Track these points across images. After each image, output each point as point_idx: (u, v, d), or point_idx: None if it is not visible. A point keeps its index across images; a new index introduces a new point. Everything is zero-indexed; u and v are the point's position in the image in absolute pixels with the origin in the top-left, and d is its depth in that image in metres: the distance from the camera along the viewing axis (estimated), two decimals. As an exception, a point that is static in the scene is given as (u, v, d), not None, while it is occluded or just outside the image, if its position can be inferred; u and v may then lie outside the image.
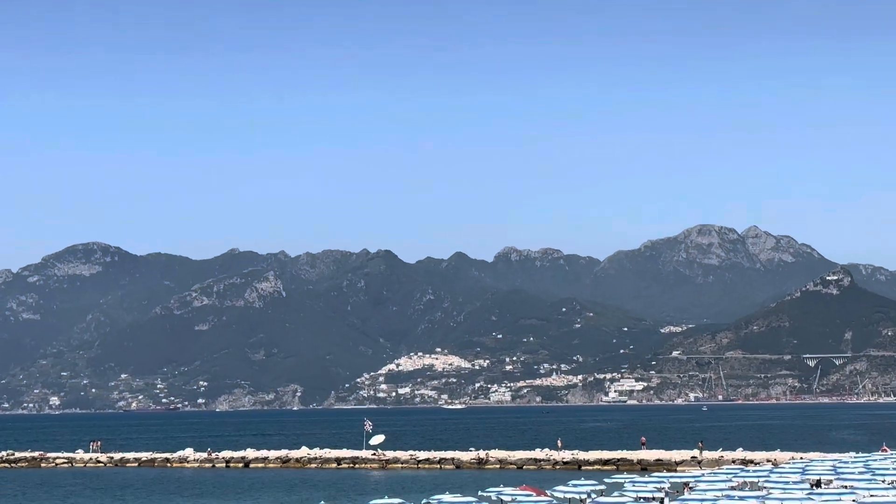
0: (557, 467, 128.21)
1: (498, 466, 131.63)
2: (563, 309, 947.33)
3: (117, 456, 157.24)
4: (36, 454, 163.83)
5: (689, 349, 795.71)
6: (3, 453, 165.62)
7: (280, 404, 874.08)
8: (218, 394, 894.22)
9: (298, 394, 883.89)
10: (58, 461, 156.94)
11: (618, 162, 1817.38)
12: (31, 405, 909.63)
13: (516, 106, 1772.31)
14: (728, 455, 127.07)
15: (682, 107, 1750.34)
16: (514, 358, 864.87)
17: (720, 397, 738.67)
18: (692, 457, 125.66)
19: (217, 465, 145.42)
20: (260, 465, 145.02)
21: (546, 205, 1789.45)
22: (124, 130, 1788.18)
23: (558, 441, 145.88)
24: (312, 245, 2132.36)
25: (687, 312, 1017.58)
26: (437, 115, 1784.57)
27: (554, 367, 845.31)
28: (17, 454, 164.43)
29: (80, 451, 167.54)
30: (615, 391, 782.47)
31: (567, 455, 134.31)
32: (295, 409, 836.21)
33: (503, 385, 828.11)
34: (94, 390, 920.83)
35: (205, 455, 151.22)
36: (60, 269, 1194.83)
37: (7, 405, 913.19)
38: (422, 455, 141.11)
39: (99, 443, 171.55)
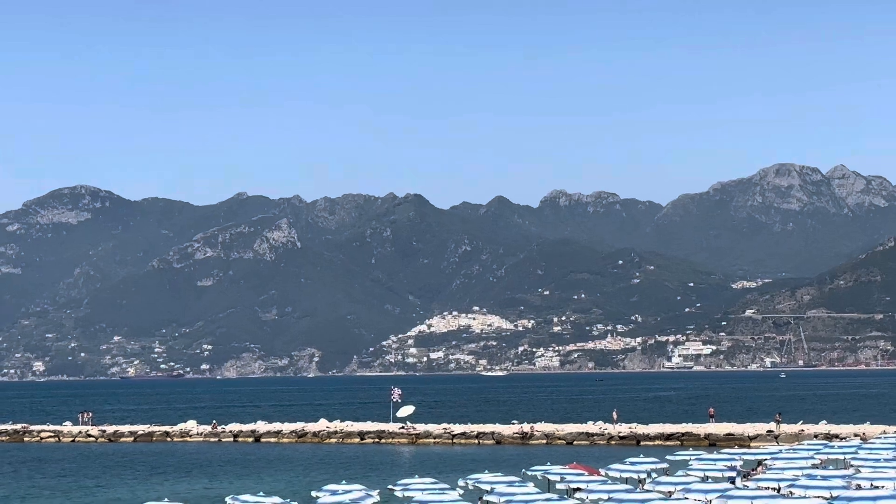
0: (613, 443, 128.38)
1: (544, 442, 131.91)
2: (620, 261, 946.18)
3: (110, 429, 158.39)
4: (18, 427, 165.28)
5: (764, 307, 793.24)
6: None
7: (295, 371, 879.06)
8: (224, 359, 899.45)
9: (316, 359, 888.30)
10: (43, 435, 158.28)
11: (681, 91, 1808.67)
12: (12, 371, 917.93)
13: (563, 31, 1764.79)
14: (809, 429, 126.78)
15: (757, 24, 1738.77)
16: (563, 318, 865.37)
17: (800, 362, 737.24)
18: (768, 431, 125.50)
19: (223, 440, 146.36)
20: (272, 439, 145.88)
21: (599, 141, 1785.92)
22: (119, 65, 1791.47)
23: (614, 413, 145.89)
24: (331, 189, 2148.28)
25: (762, 265, 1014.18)
26: (472, 42, 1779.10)
27: (608, 328, 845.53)
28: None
29: (68, 423, 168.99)
30: (679, 356, 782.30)
31: (624, 429, 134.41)
32: (311, 375, 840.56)
33: (550, 349, 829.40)
34: (83, 354, 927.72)
35: (209, 428, 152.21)
36: (44, 216, 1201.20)
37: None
38: (457, 429, 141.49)
39: (90, 414, 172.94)
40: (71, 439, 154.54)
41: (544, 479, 71.19)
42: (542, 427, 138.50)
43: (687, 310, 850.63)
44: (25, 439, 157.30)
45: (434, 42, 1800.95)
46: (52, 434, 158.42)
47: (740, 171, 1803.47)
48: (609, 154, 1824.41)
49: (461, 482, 68.27)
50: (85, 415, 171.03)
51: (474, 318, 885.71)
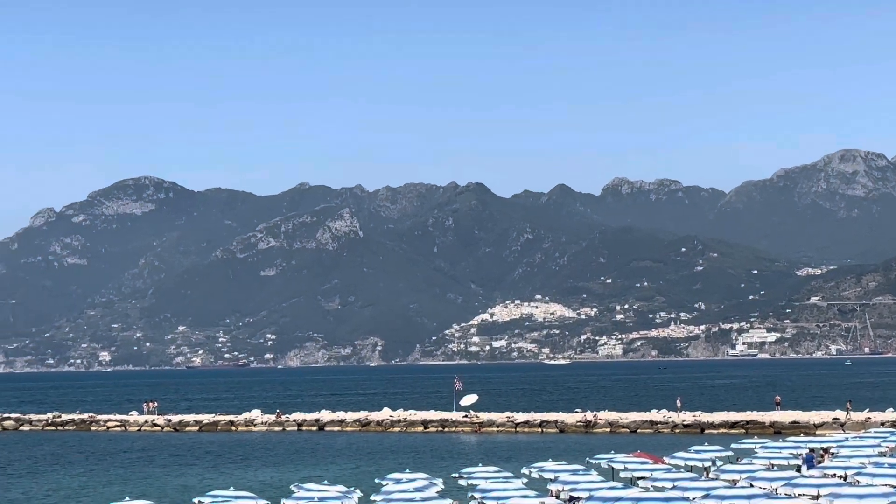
0: (677, 431, 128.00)
1: (608, 430, 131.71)
2: (683, 249, 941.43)
3: (176, 418, 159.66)
4: (85, 416, 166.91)
5: (829, 294, 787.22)
6: (50, 415, 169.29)
7: (358, 360, 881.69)
8: (287, 348, 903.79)
9: (379, 348, 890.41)
10: (109, 424, 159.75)
11: (745, 76, 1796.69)
12: (78, 361, 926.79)
13: (621, 14, 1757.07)
14: (876, 416, 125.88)
15: (825, 6, 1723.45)
16: (626, 306, 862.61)
17: (866, 350, 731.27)
18: (833, 419, 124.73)
19: (287, 429, 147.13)
20: (336, 428, 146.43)
21: (662, 129, 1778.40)
22: (180, 55, 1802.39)
23: (678, 401, 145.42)
24: (393, 178, 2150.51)
25: (827, 252, 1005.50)
26: (532, 29, 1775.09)
27: (672, 315, 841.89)
28: (65, 416, 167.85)
29: (134, 412, 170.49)
30: (743, 343, 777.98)
31: (688, 417, 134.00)
32: (374, 364, 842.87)
33: (613, 337, 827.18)
34: (148, 344, 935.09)
35: (273, 417, 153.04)
36: (109, 207, 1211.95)
37: (52, 361, 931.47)
38: (520, 417, 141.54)
39: (155, 403, 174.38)
40: (137, 428, 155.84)
41: (608, 468, 71.05)
42: (606, 415, 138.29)
43: (751, 297, 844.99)
44: (92, 428, 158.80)
45: (496, 30, 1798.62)
46: (119, 423, 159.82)
47: (804, 158, 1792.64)
48: (671, 141, 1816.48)
49: (525, 470, 68.24)
50: (150, 404, 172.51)
51: (537, 307, 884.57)
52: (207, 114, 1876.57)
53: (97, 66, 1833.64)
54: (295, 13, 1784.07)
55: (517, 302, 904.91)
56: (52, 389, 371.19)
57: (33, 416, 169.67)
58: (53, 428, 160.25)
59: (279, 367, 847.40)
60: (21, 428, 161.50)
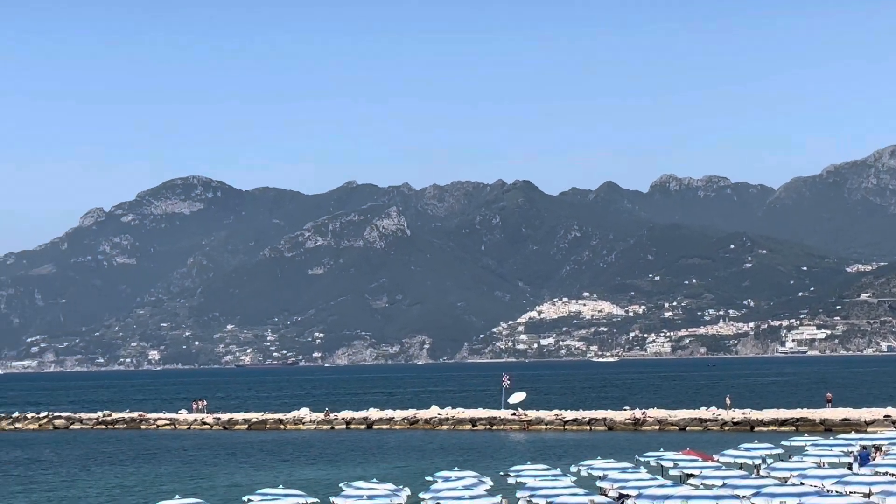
0: (726, 428, 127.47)
1: (657, 428, 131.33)
2: (731, 246, 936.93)
3: (224, 417, 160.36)
4: (135, 415, 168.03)
5: (880, 291, 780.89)
6: (100, 414, 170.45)
7: (406, 358, 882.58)
8: (336, 346, 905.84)
9: (426, 346, 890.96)
10: (159, 423, 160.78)
11: (794, 71, 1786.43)
12: (128, 360, 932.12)
13: (667, 6, 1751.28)
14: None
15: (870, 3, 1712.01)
16: (675, 303, 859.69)
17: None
18: (885, 416, 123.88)
19: (336, 427, 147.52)
20: (384, 426, 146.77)
21: (710, 125, 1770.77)
22: (228, 54, 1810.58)
23: (727, 398, 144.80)
24: (440, 176, 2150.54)
25: (878, 248, 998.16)
26: (576, 25, 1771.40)
27: (721, 313, 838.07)
28: (115, 415, 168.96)
29: (183, 411, 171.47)
30: (793, 340, 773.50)
31: (737, 414, 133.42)
32: (422, 363, 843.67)
33: (661, 334, 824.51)
34: (197, 343, 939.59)
35: (322, 415, 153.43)
36: (157, 206, 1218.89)
37: (102, 360, 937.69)
38: (568, 415, 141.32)
39: (204, 402, 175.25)
40: (186, 427, 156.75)
41: (657, 465, 70.91)
42: (655, 413, 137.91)
43: (800, 294, 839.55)
44: (142, 427, 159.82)
45: (542, 26, 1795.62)
46: (168, 422, 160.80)
47: (854, 153, 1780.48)
48: (720, 138, 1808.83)
49: (574, 468, 68.18)
50: (199, 403, 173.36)
51: (584, 304, 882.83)
52: (255, 113, 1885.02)
53: (146, 67, 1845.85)
54: (348, 12, 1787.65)
55: (565, 299, 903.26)
56: (102, 389, 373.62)
57: (84, 415, 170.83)
58: (104, 427, 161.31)
59: (325, 365, 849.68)
60: (72, 427, 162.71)
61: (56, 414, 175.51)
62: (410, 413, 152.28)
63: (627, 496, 57.86)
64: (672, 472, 68.65)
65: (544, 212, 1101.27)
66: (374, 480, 61.48)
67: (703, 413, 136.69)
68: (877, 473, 64.61)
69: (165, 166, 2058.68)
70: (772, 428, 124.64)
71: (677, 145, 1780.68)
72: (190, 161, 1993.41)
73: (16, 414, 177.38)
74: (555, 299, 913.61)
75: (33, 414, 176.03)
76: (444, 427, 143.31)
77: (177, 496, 56.25)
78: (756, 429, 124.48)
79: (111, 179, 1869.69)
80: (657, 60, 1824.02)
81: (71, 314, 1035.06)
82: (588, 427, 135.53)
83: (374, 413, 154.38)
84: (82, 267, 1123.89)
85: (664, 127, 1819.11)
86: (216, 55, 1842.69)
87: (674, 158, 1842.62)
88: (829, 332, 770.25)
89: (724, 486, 57.72)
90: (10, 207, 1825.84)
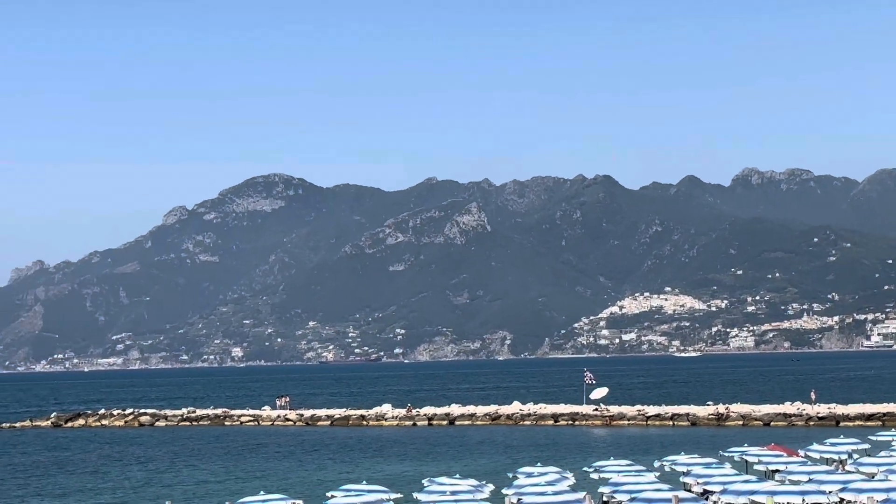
0: (811, 423, 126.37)
1: (741, 423, 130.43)
2: (815, 239, 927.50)
3: (307, 413, 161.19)
4: (219, 411, 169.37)
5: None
6: (185, 410, 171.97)
7: (487, 353, 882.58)
8: (417, 342, 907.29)
9: (508, 341, 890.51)
10: (243, 419, 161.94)
11: (878, 63, 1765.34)
12: (212, 357, 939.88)
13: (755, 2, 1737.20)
14: None
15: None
16: (758, 297, 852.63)
17: None
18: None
19: (418, 423, 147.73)
20: (466, 422, 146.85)
21: (792, 117, 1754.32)
22: (307, 53, 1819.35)
23: (812, 393, 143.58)
24: (520, 171, 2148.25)
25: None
26: (667, 16, 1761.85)
27: (804, 307, 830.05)
28: (199, 411, 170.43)
29: (266, 407, 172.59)
30: (879, 334, 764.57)
31: (822, 409, 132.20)
32: (503, 358, 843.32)
33: (745, 329, 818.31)
34: (279, 340, 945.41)
35: (404, 412, 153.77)
36: (240, 204, 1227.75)
37: (186, 357, 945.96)
38: (651, 410, 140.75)
39: (287, 398, 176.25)
40: (270, 423, 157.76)
41: (742, 461, 70.47)
42: (738, 408, 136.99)
43: (886, 287, 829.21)
44: (226, 423, 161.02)
45: (621, 20, 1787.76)
46: (252, 418, 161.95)
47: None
48: (802, 130, 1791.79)
49: (657, 464, 67.87)
50: (282, 399, 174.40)
51: (666, 299, 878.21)
52: (336, 110, 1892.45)
53: (226, 65, 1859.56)
54: (420, 8, 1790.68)
55: (646, 294, 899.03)
56: (186, 386, 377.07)
57: (169, 412, 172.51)
58: (189, 423, 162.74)
59: (405, 361, 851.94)
60: (157, 423, 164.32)
61: (142, 411, 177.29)
62: (492, 409, 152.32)
63: (712, 492, 57.55)
64: (757, 468, 68.23)
65: (625, 206, 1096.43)
66: (457, 476, 61.53)
67: (788, 408, 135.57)
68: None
69: (247, 164, 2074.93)
70: (858, 423, 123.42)
71: (759, 138, 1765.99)
72: (272, 159, 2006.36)
73: (102, 411, 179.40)
74: (636, 294, 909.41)
75: (119, 411, 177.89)
76: (527, 423, 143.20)
77: (261, 492, 56.65)
78: (842, 424, 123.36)
79: (194, 178, 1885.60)
80: (737, 52, 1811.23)
81: (155, 312, 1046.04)
82: (671, 422, 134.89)
83: (456, 409, 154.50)
84: (166, 265, 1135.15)
85: (746, 120, 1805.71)
86: (298, 52, 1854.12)
87: (756, 151, 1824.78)
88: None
89: (809, 481, 57.21)
90: (94, 207, 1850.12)
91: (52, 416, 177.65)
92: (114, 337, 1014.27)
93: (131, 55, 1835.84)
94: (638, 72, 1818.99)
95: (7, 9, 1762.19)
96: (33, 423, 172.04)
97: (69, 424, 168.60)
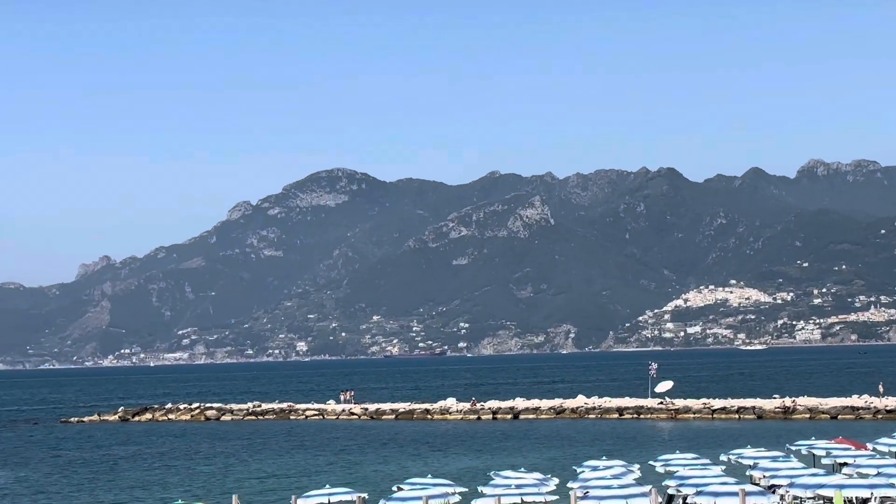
0: (879, 417, 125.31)
1: (807, 416, 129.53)
2: (882, 231, 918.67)
3: (372, 407, 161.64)
4: (284, 405, 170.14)
5: None
6: (250, 405, 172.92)
7: (551, 347, 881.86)
8: (481, 336, 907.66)
9: (572, 335, 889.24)
10: (308, 413, 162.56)
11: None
12: (276, 351, 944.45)
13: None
14: None
15: None
16: (824, 290, 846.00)
17: None
18: None
19: (483, 417, 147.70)
20: (531, 416, 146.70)
21: (858, 108, 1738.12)
22: (371, 48, 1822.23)
23: (879, 386, 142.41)
24: (583, 164, 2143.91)
25: None
26: (733, 6, 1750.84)
27: (872, 299, 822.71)
28: (265, 406, 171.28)
29: (331, 401, 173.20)
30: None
31: (891, 402, 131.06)
32: (567, 352, 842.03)
33: (811, 321, 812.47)
34: (343, 334, 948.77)
35: (468, 405, 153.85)
36: (303, 199, 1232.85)
37: (251, 352, 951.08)
38: (717, 403, 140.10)
39: (352, 392, 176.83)
40: (335, 417, 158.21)
41: (809, 454, 69.98)
42: (805, 401, 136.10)
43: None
44: (291, 417, 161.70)
45: (685, 8, 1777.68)
46: (317, 412, 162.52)
47: None
48: (869, 121, 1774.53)
49: (723, 457, 67.56)
50: (347, 393, 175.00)
51: (731, 292, 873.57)
52: (399, 105, 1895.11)
53: (292, 61, 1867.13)
54: (481, 3, 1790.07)
55: (711, 287, 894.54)
56: (251, 381, 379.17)
57: (234, 406, 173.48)
58: (254, 417, 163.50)
59: (468, 355, 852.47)
60: (223, 418, 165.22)
61: (208, 405, 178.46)
62: (557, 402, 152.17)
63: (779, 485, 57.19)
64: (824, 462, 67.73)
65: (689, 199, 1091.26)
66: (522, 470, 61.53)
67: (855, 401, 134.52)
68: None
69: (311, 159, 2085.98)
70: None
71: (825, 129, 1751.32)
72: (335, 154, 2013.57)
73: (169, 405, 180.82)
74: (701, 287, 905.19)
75: (186, 405, 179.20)
76: (591, 416, 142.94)
77: (327, 485, 56.87)
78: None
79: (258, 173, 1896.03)
80: (801, 41, 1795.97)
81: (220, 307, 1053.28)
82: (737, 415, 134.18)
83: (520, 403, 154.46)
84: (230, 260, 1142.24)
85: (811, 110, 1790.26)
86: (360, 47, 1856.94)
87: (822, 142, 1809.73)
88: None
89: (878, 475, 56.74)
90: (159, 203, 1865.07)
91: (120, 410, 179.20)
92: (179, 332, 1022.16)
93: (197, 50, 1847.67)
94: (702, 63, 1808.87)
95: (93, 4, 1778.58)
96: (101, 418, 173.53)
97: (136, 419, 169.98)
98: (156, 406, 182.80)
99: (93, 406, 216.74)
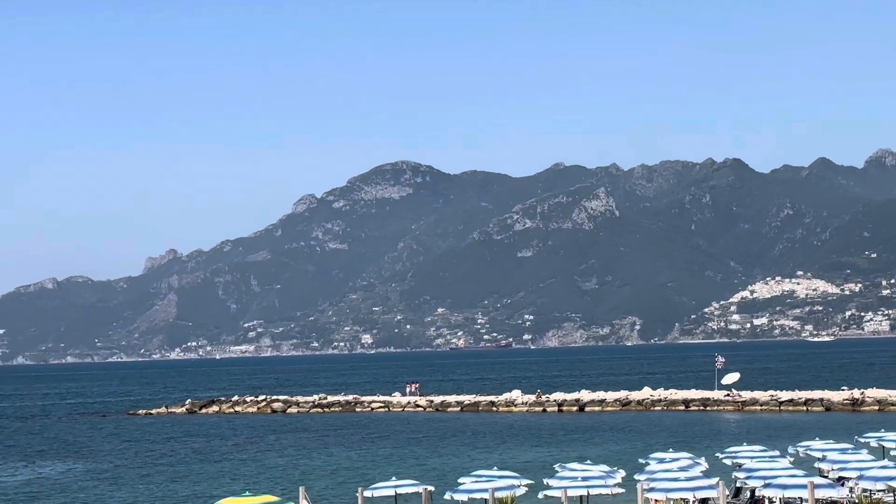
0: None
1: (876, 408, 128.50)
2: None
3: (437, 399, 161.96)
4: (350, 398, 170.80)
5: None
6: (316, 397, 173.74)
7: (616, 339, 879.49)
8: (546, 328, 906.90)
9: (637, 327, 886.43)
10: (373, 405, 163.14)
11: None
12: (342, 344, 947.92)
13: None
14: None
15: None
16: (893, 280, 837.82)
17: None
18: None
19: (548, 409, 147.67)
20: (596, 408, 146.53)
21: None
22: (434, 42, 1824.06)
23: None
24: (648, 156, 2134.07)
25: None
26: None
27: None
28: (330, 398, 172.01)
29: (396, 394, 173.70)
30: None
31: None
32: (631, 344, 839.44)
33: (879, 312, 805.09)
34: (408, 327, 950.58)
35: (534, 398, 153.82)
36: (368, 192, 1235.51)
37: (317, 344, 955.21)
38: (784, 395, 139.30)
39: (417, 385, 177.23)
40: (400, 409, 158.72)
41: (879, 447, 69.38)
42: (874, 393, 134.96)
43: None
44: (357, 410, 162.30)
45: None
46: (382, 405, 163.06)
47: None
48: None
49: (791, 449, 67.15)
50: (412, 386, 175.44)
51: (798, 283, 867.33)
52: (462, 97, 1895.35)
53: (359, 56, 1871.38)
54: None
55: (778, 278, 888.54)
56: (317, 373, 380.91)
57: (300, 399, 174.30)
58: (320, 410, 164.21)
59: (531, 347, 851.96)
60: (289, 410, 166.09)
61: (274, 397, 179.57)
62: (623, 394, 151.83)
63: (848, 478, 56.78)
64: (894, 454, 67.15)
65: (755, 190, 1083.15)
66: (588, 462, 61.45)
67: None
68: None
69: (375, 152, 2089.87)
70: None
71: (893, 119, 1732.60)
72: (399, 146, 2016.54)
73: (235, 397, 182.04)
74: (767, 278, 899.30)
75: (252, 398, 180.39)
76: (657, 408, 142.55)
77: (393, 477, 57.08)
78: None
79: (322, 166, 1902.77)
80: (870, 27, 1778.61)
81: (286, 299, 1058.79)
82: (804, 407, 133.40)
83: (585, 395, 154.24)
84: (296, 253, 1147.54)
85: (880, 99, 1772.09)
86: (426, 40, 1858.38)
87: (890, 132, 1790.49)
88: None
89: (949, 467, 56.14)
90: (225, 196, 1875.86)
91: (187, 402, 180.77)
92: (245, 325, 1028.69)
93: (265, 42, 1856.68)
94: (768, 52, 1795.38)
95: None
96: (168, 410, 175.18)
97: (203, 411, 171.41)
98: (222, 398, 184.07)
99: (161, 398, 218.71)
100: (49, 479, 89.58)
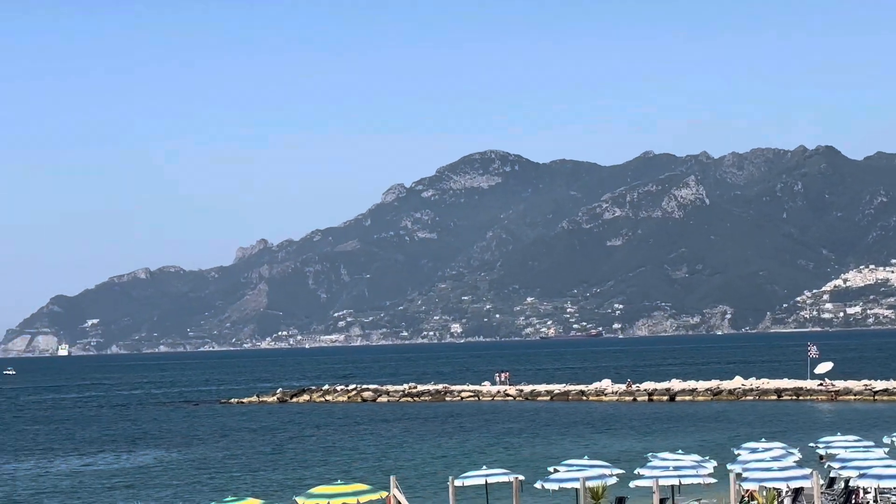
0: None
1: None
2: None
3: (527, 388, 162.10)
4: (440, 387, 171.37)
5: None
6: (405, 386, 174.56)
7: (707, 328, 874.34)
8: (636, 317, 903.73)
9: (728, 316, 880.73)
10: (463, 394, 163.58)
11: None
12: (431, 333, 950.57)
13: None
14: None
15: None
16: None
17: None
18: None
19: (638, 398, 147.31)
20: (687, 397, 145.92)
21: None
22: (517, 30, 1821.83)
23: None
24: (739, 143, 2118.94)
25: None
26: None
27: None
28: (420, 387, 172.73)
29: (486, 383, 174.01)
30: None
31: None
32: (722, 333, 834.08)
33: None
34: (497, 316, 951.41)
35: (624, 387, 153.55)
36: (456, 181, 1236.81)
37: (406, 334, 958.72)
38: (878, 385, 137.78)
39: (507, 374, 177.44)
40: (490, 398, 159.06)
41: (976, 437, 68.42)
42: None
43: None
44: (447, 399, 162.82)
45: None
46: (472, 394, 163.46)
47: None
48: None
49: (887, 440, 66.46)
50: (502, 375, 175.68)
51: (893, 272, 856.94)
52: (550, 86, 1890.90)
53: (444, 44, 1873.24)
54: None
55: (872, 267, 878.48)
56: (407, 362, 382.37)
57: (390, 388, 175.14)
58: (410, 399, 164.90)
59: (620, 336, 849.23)
60: (379, 399, 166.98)
61: (364, 387, 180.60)
62: (714, 384, 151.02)
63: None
64: None
65: (848, 177, 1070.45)
66: (680, 452, 61.26)
67: None
68: None
69: (464, 141, 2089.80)
70: None
71: None
72: (488, 135, 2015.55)
73: (326, 386, 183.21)
74: (861, 267, 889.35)
75: (342, 387, 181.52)
76: (749, 398, 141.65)
77: (483, 466, 57.29)
78: None
79: (411, 155, 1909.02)
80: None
81: (375, 289, 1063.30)
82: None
83: (676, 384, 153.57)
84: (385, 242, 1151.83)
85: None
86: (513, 29, 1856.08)
87: None
88: None
89: None
90: (315, 186, 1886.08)
91: (278, 391, 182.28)
92: (335, 314, 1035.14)
93: (352, 34, 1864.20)
94: (859, 36, 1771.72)
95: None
96: (260, 399, 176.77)
97: (294, 400, 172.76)
98: (313, 387, 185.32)
99: (252, 387, 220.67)
100: (146, 467, 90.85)
